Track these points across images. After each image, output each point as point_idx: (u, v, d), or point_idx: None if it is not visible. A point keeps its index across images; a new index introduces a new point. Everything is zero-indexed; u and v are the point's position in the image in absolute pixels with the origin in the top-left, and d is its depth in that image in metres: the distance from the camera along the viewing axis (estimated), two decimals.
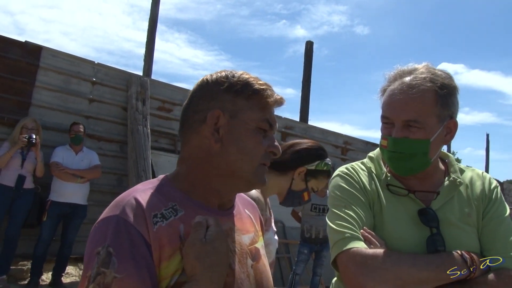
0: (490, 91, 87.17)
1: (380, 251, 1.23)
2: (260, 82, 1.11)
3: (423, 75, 1.34)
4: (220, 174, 1.08)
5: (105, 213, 1.02)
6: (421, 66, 1.38)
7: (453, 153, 42.95)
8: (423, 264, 1.20)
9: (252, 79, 1.10)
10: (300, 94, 10.98)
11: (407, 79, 1.35)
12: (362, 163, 1.50)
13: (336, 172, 1.46)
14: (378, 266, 1.19)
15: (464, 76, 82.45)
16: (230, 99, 1.08)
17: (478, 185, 1.43)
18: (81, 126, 5.61)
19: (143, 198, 1.02)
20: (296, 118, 10.42)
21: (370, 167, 1.47)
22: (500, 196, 1.42)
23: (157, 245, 0.97)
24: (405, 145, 1.33)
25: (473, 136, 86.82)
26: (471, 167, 1.54)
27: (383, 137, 1.39)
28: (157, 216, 1.00)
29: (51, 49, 6.05)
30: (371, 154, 1.53)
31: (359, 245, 1.24)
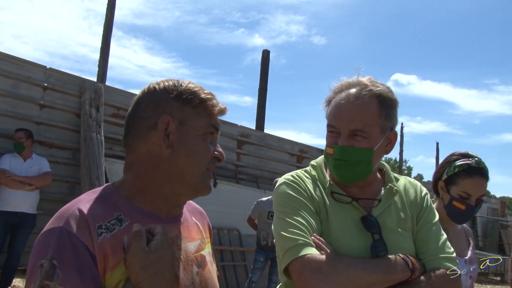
0: (440, 102, 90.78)
1: (332, 256, 1.27)
2: (205, 91, 1.16)
3: (368, 88, 1.41)
4: (169, 179, 1.10)
5: (49, 224, 1.01)
6: (365, 79, 1.45)
7: (405, 161, 44.37)
8: (372, 268, 1.26)
9: (198, 89, 1.15)
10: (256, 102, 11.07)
11: (353, 90, 1.42)
12: (306, 171, 1.53)
13: (281, 180, 1.49)
14: (332, 272, 1.22)
15: (416, 86, 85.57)
16: (179, 106, 1.11)
17: (411, 192, 1.53)
18: (22, 133, 5.34)
19: (88, 209, 1.02)
20: (253, 126, 10.49)
21: (314, 175, 1.51)
22: (430, 202, 1.53)
23: (102, 256, 0.98)
24: (351, 153, 1.39)
25: (425, 144, 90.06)
26: (403, 175, 1.63)
27: (328, 145, 1.44)
28: (101, 227, 1.01)
29: None
30: (313, 162, 1.57)
31: (312, 252, 1.27)
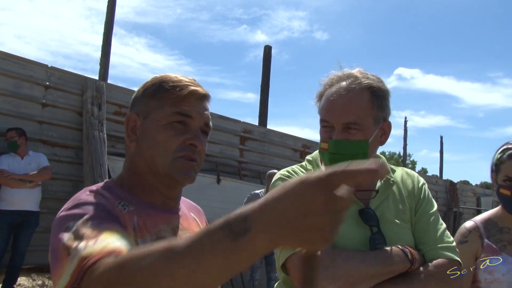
0: (444, 95, 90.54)
1: (330, 250, 1.26)
2: (175, 79, 1.14)
3: (358, 80, 1.40)
4: (143, 172, 1.12)
5: (66, 206, 0.99)
6: (355, 71, 1.44)
7: (409, 155, 44.22)
8: (371, 260, 1.25)
9: (167, 79, 1.14)
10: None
11: (344, 83, 1.40)
12: (302, 166, 1.52)
13: (277, 175, 1.47)
14: (330, 265, 1.21)
15: (420, 80, 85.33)
16: (145, 102, 1.14)
17: (408, 183, 1.51)
18: (13, 132, 5.27)
19: (99, 190, 1.05)
20: (257, 122, 10.46)
21: (310, 169, 1.50)
22: (428, 193, 1.51)
23: (124, 223, 1.00)
24: (346, 146, 1.37)
25: (429, 138, 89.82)
26: (400, 167, 1.61)
27: (323, 140, 1.42)
28: (118, 203, 1.04)
29: (0, 51, 5.81)
30: (309, 157, 1.55)
31: None
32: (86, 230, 0.86)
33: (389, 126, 1.46)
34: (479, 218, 2.09)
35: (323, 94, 1.45)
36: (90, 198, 0.99)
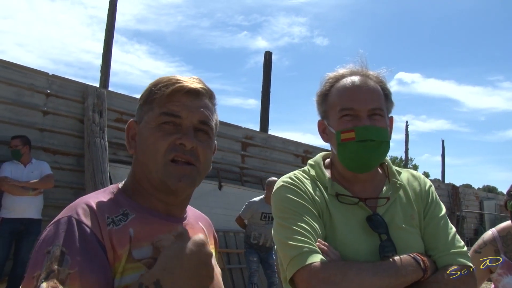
0: (445, 99, 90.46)
1: (341, 263, 1.22)
2: (165, 79, 1.10)
3: (369, 73, 1.42)
4: (140, 178, 1.11)
5: (57, 217, 1.01)
6: (360, 67, 1.45)
7: (411, 160, 44.09)
8: (383, 272, 1.20)
9: (158, 81, 1.11)
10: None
11: (359, 76, 1.41)
12: (304, 172, 1.46)
13: (280, 182, 1.41)
14: (342, 280, 1.17)
15: (421, 85, 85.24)
16: (140, 108, 1.14)
17: (415, 186, 1.46)
18: (18, 140, 5.28)
19: (95, 202, 1.03)
20: (258, 128, 10.45)
21: (314, 175, 1.44)
22: (435, 195, 1.47)
23: (110, 245, 0.98)
24: (375, 132, 1.33)
25: (430, 142, 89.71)
26: (405, 168, 1.57)
27: (346, 130, 1.34)
28: (109, 218, 1.01)
29: (1, 60, 5.82)
30: (311, 161, 1.50)
31: (319, 259, 1.21)
32: (52, 275, 0.88)
33: (392, 121, 1.46)
34: (500, 228, 2.10)
35: (330, 90, 1.42)
36: (80, 217, 0.98)
